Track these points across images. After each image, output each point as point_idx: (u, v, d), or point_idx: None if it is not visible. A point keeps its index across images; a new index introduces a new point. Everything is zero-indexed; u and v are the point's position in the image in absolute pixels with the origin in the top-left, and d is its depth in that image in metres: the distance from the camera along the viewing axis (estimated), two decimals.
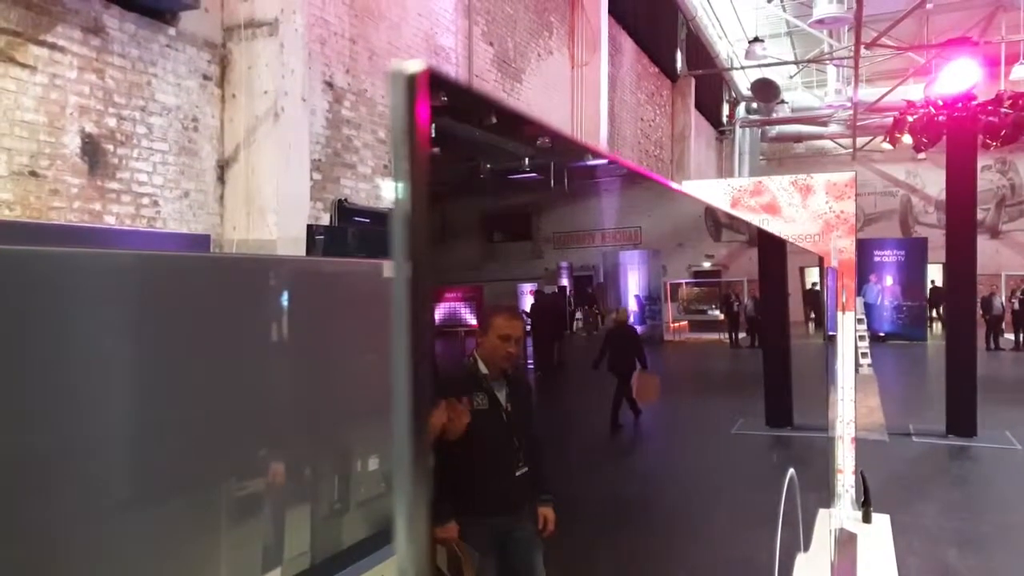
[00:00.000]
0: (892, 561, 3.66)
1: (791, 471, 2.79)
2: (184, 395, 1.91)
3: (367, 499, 2.41)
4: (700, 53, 14.59)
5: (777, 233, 3.67)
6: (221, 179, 6.41)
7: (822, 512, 3.68)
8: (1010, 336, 18.18)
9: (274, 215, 6.35)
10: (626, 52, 12.80)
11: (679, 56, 14.37)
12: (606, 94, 10.29)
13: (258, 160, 6.41)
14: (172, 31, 5.58)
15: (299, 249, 6.24)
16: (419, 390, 0.46)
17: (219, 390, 1.98)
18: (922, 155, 18.33)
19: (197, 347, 1.93)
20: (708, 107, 18.08)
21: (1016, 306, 18.57)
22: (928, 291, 20.07)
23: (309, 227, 6.42)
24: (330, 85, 6.60)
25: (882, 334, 18.32)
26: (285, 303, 2.19)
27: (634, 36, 13.13)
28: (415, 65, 0.45)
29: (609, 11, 10.65)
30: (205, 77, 6.10)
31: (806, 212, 3.87)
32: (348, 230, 6.62)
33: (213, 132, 6.28)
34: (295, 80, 6.32)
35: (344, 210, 6.73)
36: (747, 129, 19.99)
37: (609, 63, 10.58)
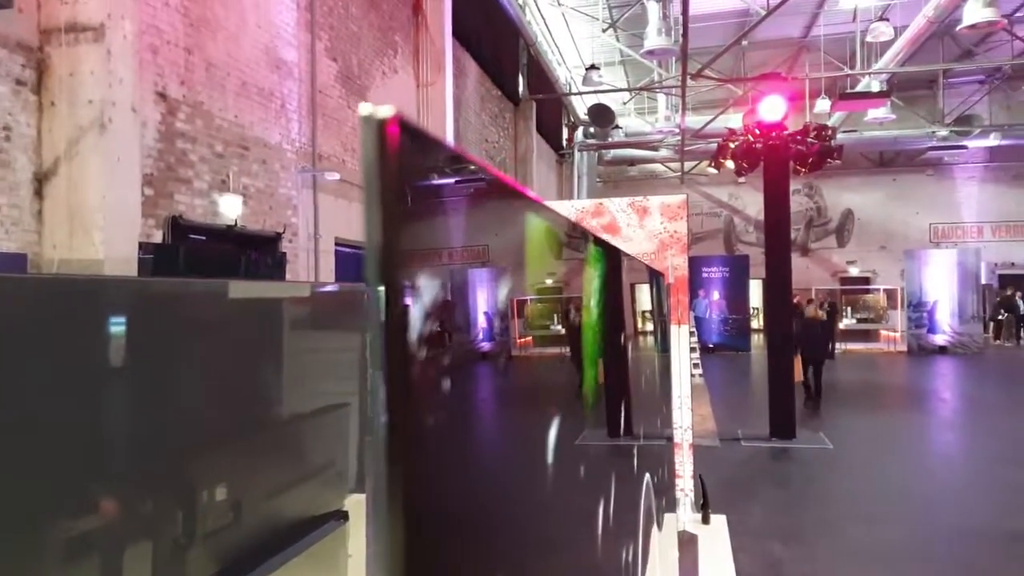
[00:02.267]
0: (730, 559, 3.89)
1: (647, 477, 2.88)
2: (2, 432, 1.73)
3: (214, 531, 2.28)
4: (541, 78, 15.04)
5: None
6: (39, 193, 5.95)
7: (668, 516, 3.84)
8: None
9: (100, 232, 5.96)
10: (470, 74, 13.00)
11: (521, 80, 14.75)
12: (451, 114, 10.40)
13: (82, 173, 6.00)
14: None
15: (130, 269, 5.88)
16: (396, 409, 0.47)
17: (43, 424, 1.80)
18: (742, 179, 19.73)
19: (11, 378, 1.74)
20: (549, 130, 18.64)
21: (824, 317, 20.25)
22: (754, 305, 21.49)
23: (141, 244, 6.06)
24: (163, 96, 6.29)
25: (711, 345, 19.49)
26: (115, 328, 2.04)
27: (478, 59, 13.36)
28: (386, 110, 0.48)
29: (453, 33, 10.80)
30: (19, 83, 5.66)
31: (643, 232, 4.09)
32: (180, 248, 6.31)
33: (29, 142, 5.83)
34: (124, 89, 5.98)
35: (178, 227, 6.41)
36: (585, 152, 20.75)
37: (454, 84, 10.71)
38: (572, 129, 19.30)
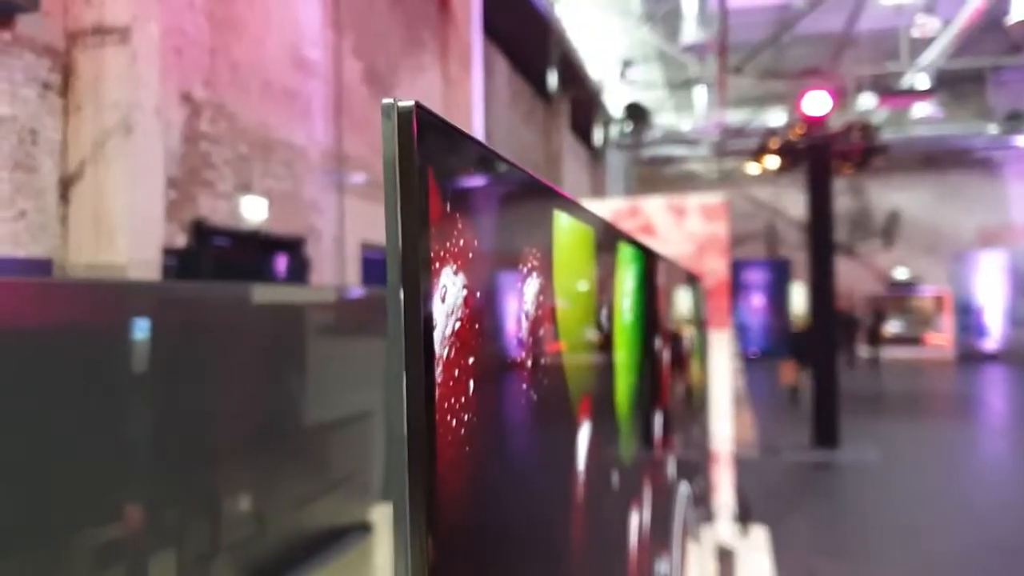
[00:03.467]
0: (770, 572, 3.68)
1: (684, 487, 2.76)
2: (32, 438, 1.63)
3: (236, 542, 2.16)
4: (573, 74, 14.78)
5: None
6: (64, 198, 5.86)
7: (707, 529, 3.68)
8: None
9: (125, 236, 5.85)
10: (500, 71, 12.80)
11: (553, 77, 14.50)
12: (480, 112, 10.19)
13: (107, 177, 5.90)
14: (7, 35, 5.04)
15: (153, 273, 5.76)
16: (415, 414, 0.46)
17: (71, 432, 1.71)
18: (785, 179, 19.25)
19: (39, 379, 1.64)
20: (582, 129, 18.37)
21: (869, 322, 19.73)
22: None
23: (164, 249, 5.95)
24: (187, 98, 6.17)
25: (749, 355, 19.10)
26: (140, 333, 1.91)
27: (508, 55, 13.15)
28: (407, 103, 0.47)
29: (484, 30, 10.60)
30: (45, 86, 5.56)
31: (680, 233, 3.85)
32: (203, 252, 6.19)
33: (55, 146, 5.73)
34: (149, 92, 5.86)
35: (202, 231, 6.29)
36: (620, 151, 20.45)
37: (483, 82, 10.50)
38: (606, 127, 19.00)
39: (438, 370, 0.50)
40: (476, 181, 0.61)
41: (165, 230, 5.98)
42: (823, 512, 6.88)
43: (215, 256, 6.11)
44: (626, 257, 1.31)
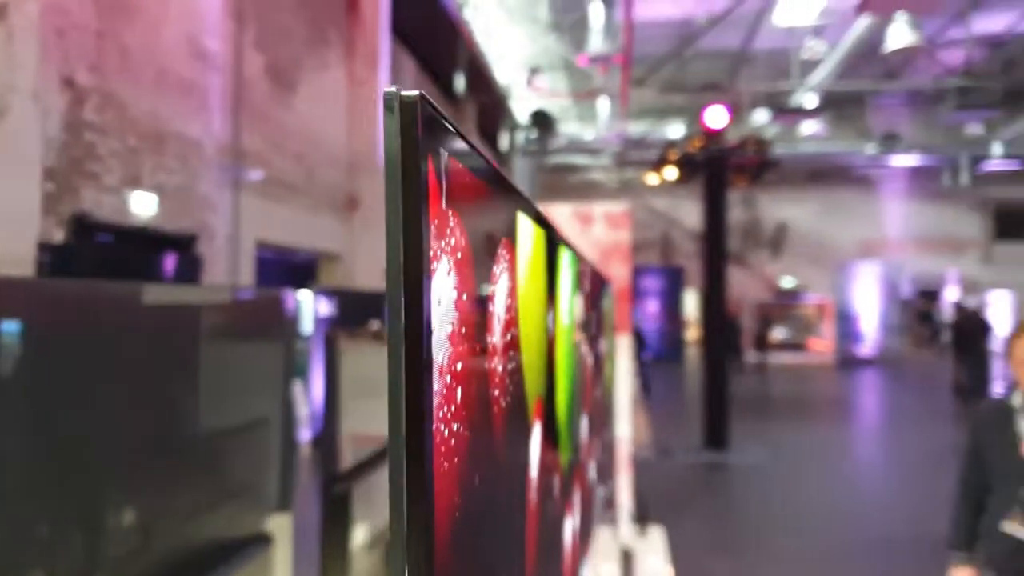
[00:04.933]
0: (667, 571, 3.75)
1: (600, 487, 2.78)
2: None
3: (120, 557, 2.02)
4: (481, 79, 14.78)
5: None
6: None
7: (606, 529, 3.71)
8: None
9: None
10: (407, 72, 12.66)
11: (460, 80, 14.46)
12: None
13: None
14: None
15: (26, 269, 5.39)
16: (414, 424, 0.45)
17: None
18: (681, 189, 19.80)
19: None
20: (488, 133, 18.39)
21: (758, 328, 20.55)
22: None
23: (40, 244, 5.57)
24: (70, 83, 5.81)
25: (644, 358, 19.52)
26: (8, 334, 1.75)
27: (416, 56, 13.01)
28: (411, 93, 0.46)
29: (392, 30, 10.45)
30: None
31: (586, 240, 3.88)
32: (83, 248, 5.82)
33: None
34: (25, 74, 5.48)
35: (84, 226, 5.92)
36: (525, 157, 20.59)
37: (390, 82, 10.36)
38: (512, 133, 19.10)
39: (435, 378, 0.48)
40: (464, 178, 0.60)
41: (41, 224, 5.61)
42: (715, 511, 7.10)
43: (98, 253, 5.77)
44: (565, 260, 1.31)
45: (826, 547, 5.91)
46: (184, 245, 6.39)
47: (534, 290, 0.95)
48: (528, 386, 0.89)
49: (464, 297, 0.57)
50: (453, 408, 0.53)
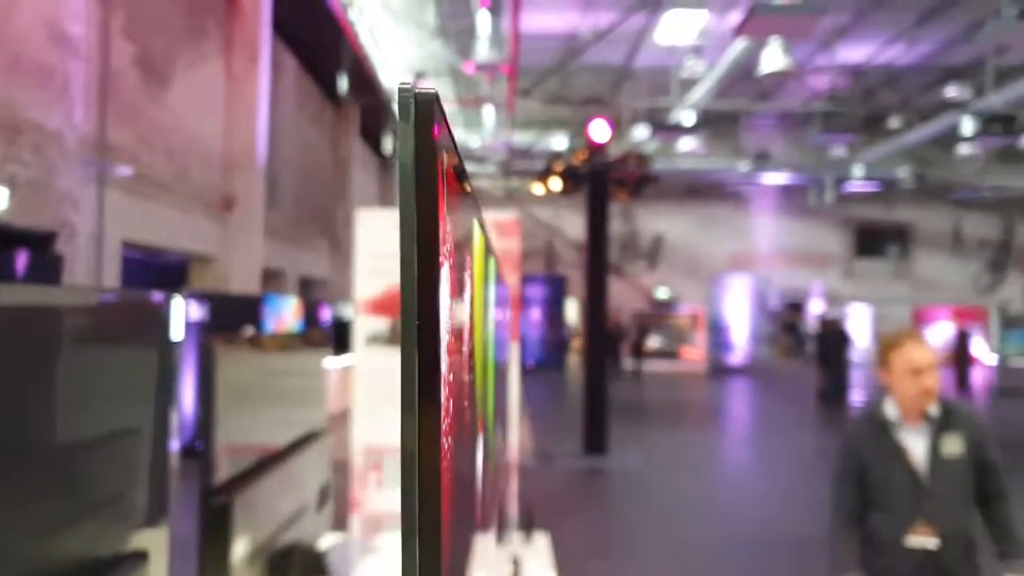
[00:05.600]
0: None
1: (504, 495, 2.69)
2: None
3: None
4: (365, 80, 14.55)
5: None
6: None
7: (491, 536, 3.66)
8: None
9: None
10: (288, 70, 12.31)
11: (344, 81, 14.19)
12: (266, 110, 9.70)
13: None
14: None
15: None
16: (428, 434, 0.43)
17: None
18: (565, 200, 20.12)
19: None
20: (372, 135, 18.12)
21: (635, 337, 21.14)
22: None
23: None
24: None
25: (527, 365, 19.70)
26: None
27: (298, 55, 12.68)
28: (427, 91, 0.44)
29: (273, 26, 10.12)
30: None
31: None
32: None
33: None
34: None
35: None
36: None
37: (271, 80, 10.02)
38: (396, 137, 18.89)
39: (443, 389, 0.46)
40: (452, 181, 0.57)
41: None
42: (596, 516, 7.20)
43: None
44: (491, 267, 1.30)
45: (702, 548, 6.10)
46: (40, 243, 5.93)
47: (479, 298, 0.93)
48: (478, 397, 0.87)
49: (452, 304, 0.55)
50: (447, 421, 0.51)
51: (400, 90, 0.44)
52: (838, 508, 2.69)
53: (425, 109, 0.44)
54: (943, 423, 2.50)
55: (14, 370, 1.88)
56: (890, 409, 2.56)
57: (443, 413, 0.47)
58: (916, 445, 2.51)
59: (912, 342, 2.54)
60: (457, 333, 0.58)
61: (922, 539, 2.46)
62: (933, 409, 2.51)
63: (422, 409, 0.42)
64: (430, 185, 0.43)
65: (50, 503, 1.95)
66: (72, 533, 1.98)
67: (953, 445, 2.48)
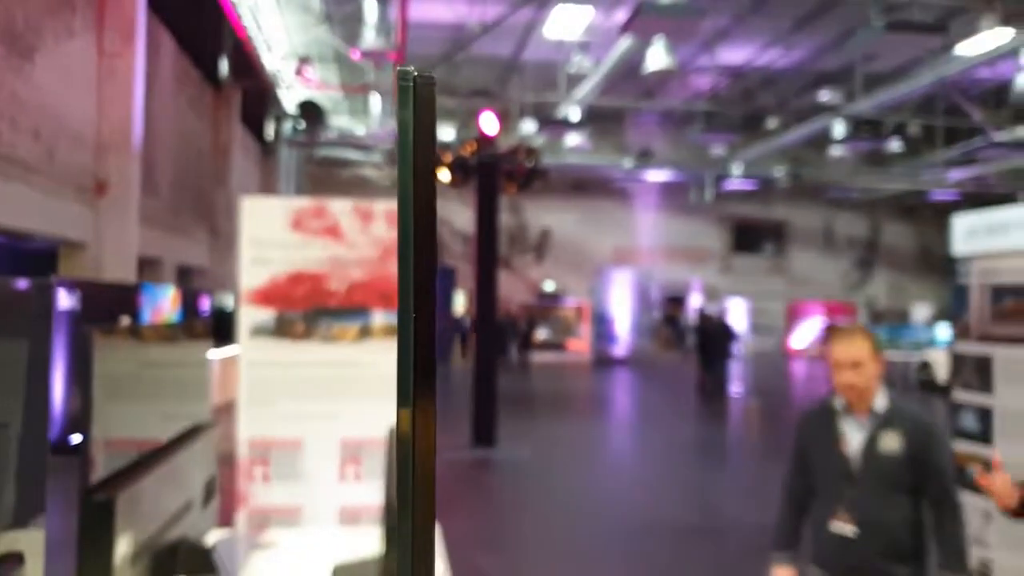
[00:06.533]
0: (444, 569, 3.77)
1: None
2: None
3: None
4: (247, 64, 14.06)
5: (339, 258, 3.55)
6: None
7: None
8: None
9: None
10: (165, 50, 11.75)
11: (224, 64, 13.67)
12: (141, 91, 9.23)
13: None
14: None
15: None
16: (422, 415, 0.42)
17: None
18: (452, 192, 20.08)
19: None
20: (254, 121, 17.55)
21: (522, 329, 21.40)
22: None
23: None
24: None
25: None
26: None
27: (176, 34, 12.11)
28: (427, 73, 0.43)
29: (149, 4, 9.63)
30: None
31: (366, 238, 3.80)
32: None
33: None
34: None
35: None
36: (292, 149, 19.89)
37: (146, 59, 9.54)
38: (279, 122, 18.37)
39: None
40: None
41: None
42: (485, 507, 7.26)
43: None
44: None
45: (589, 536, 6.25)
46: None
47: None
48: None
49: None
50: None
51: (400, 73, 0.43)
52: (784, 489, 2.81)
53: (426, 92, 0.43)
54: (886, 420, 2.54)
55: None
56: (839, 398, 2.63)
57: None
58: (855, 435, 2.58)
59: (839, 338, 2.62)
60: None
61: (841, 525, 2.54)
62: (879, 404, 2.56)
63: (416, 402, 0.42)
64: (428, 172, 0.43)
65: None
66: None
67: (891, 442, 2.51)
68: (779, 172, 22.76)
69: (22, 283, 2.77)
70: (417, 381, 0.42)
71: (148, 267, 10.64)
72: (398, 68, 0.43)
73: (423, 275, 0.42)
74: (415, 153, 0.42)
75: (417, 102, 0.43)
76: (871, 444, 2.54)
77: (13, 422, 2.22)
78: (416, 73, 0.43)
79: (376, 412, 3.32)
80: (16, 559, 1.73)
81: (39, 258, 8.44)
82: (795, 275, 28.05)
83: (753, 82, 18.12)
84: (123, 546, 1.87)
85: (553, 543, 6.01)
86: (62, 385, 2.45)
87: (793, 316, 26.17)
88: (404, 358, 0.41)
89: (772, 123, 19.28)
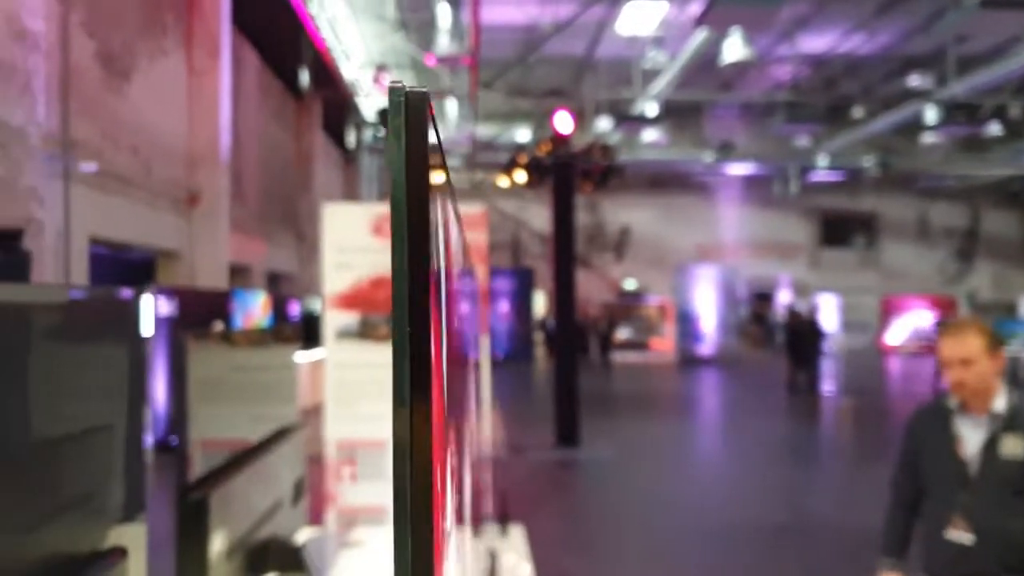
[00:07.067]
0: (530, 570, 3.80)
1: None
2: None
3: None
4: (327, 74, 14.44)
5: None
6: None
7: (467, 528, 3.68)
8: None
9: None
10: (250, 64, 12.19)
11: (305, 75, 14.07)
12: (228, 105, 9.60)
13: None
14: None
15: None
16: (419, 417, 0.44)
17: None
18: (530, 193, 20.16)
19: None
20: (335, 129, 18.00)
21: (603, 329, 21.27)
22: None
23: None
24: None
25: (495, 358, 19.69)
26: None
27: (259, 49, 12.56)
28: (418, 89, 0.44)
29: (233, 20, 10.02)
30: None
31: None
32: None
33: None
34: None
35: None
36: (373, 155, 20.31)
37: (232, 74, 9.92)
38: (359, 130, 18.78)
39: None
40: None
41: None
42: (570, 508, 7.25)
43: None
44: (465, 261, 1.32)
45: (675, 538, 6.17)
46: (8, 240, 5.85)
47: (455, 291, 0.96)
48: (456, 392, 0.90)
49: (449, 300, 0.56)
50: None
51: (391, 89, 0.43)
52: (892, 492, 2.65)
53: (418, 108, 0.43)
54: (1007, 421, 2.36)
55: None
56: (952, 398, 2.46)
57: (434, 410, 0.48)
58: (972, 437, 2.40)
59: (948, 334, 2.45)
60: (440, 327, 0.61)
61: (958, 533, 2.36)
62: (999, 404, 2.38)
63: (413, 406, 0.43)
64: (421, 186, 0.43)
65: (25, 502, 1.95)
66: (48, 531, 1.99)
67: (1013, 446, 2.33)
68: (868, 162, 21.98)
69: (124, 292, 2.92)
70: (414, 383, 0.43)
71: (239, 273, 11.04)
72: (389, 84, 0.43)
73: (417, 285, 0.43)
74: (407, 168, 0.42)
75: (409, 115, 0.43)
76: (990, 447, 2.35)
77: (118, 424, 2.35)
78: (408, 89, 0.43)
79: None
80: (120, 553, 1.84)
81: (139, 267, 8.87)
82: (888, 268, 27.04)
83: (836, 70, 17.55)
84: (218, 543, 1.96)
85: (638, 544, 5.97)
86: (161, 388, 2.58)
87: (887, 311, 25.17)
88: (400, 360, 0.42)
89: (858, 112, 18.63)
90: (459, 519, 1.01)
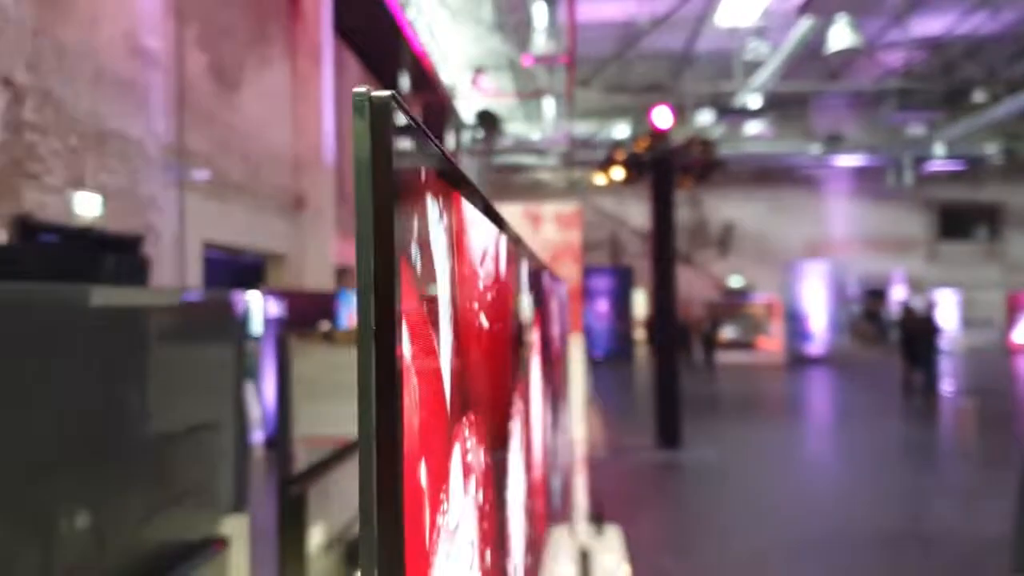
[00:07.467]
0: (626, 571, 3.78)
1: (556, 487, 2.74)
2: None
3: (76, 566, 1.98)
4: (425, 77, 14.72)
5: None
6: None
7: (562, 528, 3.71)
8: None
9: None
10: (351, 69, 12.55)
11: (404, 79, 14.38)
12: (331, 110, 9.92)
13: None
14: None
15: None
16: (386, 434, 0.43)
17: None
18: (628, 190, 19.98)
19: None
20: (435, 132, 18.29)
21: (707, 327, 20.86)
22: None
23: None
24: (8, 82, 5.63)
25: (595, 357, 19.59)
26: None
27: (359, 54, 12.91)
28: (382, 93, 0.44)
29: (334, 27, 10.34)
30: None
31: (536, 240, 3.89)
32: (28, 250, 5.64)
33: None
34: None
35: (27, 227, 5.74)
36: (472, 157, 20.57)
37: (334, 80, 10.24)
38: (458, 132, 19.05)
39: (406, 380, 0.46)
40: (437, 182, 0.59)
41: None
42: (670, 510, 7.16)
43: (42, 254, 5.60)
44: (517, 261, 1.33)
45: (781, 543, 5.99)
46: (130, 246, 6.23)
47: (501, 293, 0.94)
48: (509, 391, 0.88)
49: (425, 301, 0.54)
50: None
51: (355, 93, 0.44)
52: (1020, 501, 2.52)
53: (382, 112, 0.43)
54: None
55: (110, 367, 2.01)
56: None
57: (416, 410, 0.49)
58: None
59: None
60: (436, 327, 0.59)
61: None
62: None
63: (379, 404, 0.43)
64: (386, 190, 0.43)
65: (142, 492, 2.08)
66: (161, 520, 2.11)
67: None
68: (991, 149, 20.73)
69: (236, 294, 3.07)
70: (379, 380, 0.43)
71: (344, 275, 11.40)
72: (353, 91, 0.44)
73: (383, 283, 0.44)
74: (372, 171, 0.43)
75: (373, 122, 0.43)
76: None
77: (226, 420, 2.48)
78: (371, 94, 0.43)
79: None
80: (221, 542, 1.94)
81: (250, 270, 9.28)
82: (1015, 262, 25.41)
83: (954, 53, 16.61)
84: (316, 535, 2.04)
85: (742, 548, 5.83)
86: (270, 386, 2.71)
87: (1014, 307, 23.65)
88: (365, 358, 0.43)
89: (979, 96, 17.56)
90: (495, 518, 1.01)
